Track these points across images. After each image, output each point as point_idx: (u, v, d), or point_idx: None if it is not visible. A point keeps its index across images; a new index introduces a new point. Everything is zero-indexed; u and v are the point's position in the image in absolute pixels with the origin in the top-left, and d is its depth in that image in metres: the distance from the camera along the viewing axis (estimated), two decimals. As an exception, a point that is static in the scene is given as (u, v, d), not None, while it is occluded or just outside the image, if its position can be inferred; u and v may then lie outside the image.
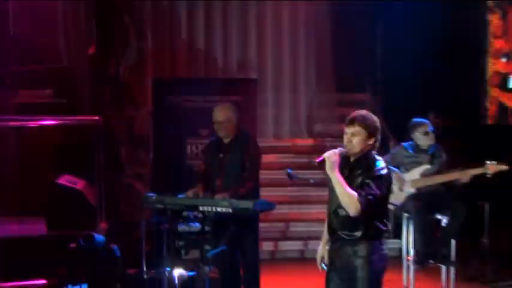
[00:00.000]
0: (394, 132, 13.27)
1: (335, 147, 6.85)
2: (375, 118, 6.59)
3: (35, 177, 12.25)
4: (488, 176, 10.02)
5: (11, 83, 13.07)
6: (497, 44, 14.28)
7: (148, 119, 12.44)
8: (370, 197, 6.16)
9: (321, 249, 6.80)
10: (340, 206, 6.34)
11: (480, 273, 11.37)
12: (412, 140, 10.64)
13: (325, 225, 6.73)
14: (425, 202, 10.32)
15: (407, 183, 10.33)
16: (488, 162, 10.03)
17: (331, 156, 6.25)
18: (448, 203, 10.44)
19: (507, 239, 11.94)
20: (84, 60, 13.59)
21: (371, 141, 6.41)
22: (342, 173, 6.40)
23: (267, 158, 12.88)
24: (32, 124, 11.62)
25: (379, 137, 6.55)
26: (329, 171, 6.23)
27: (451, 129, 13.67)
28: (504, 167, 9.98)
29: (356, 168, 6.43)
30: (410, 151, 10.51)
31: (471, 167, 10.32)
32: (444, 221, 10.34)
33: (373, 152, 6.51)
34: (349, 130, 6.42)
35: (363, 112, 6.62)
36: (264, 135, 13.92)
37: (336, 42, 15.26)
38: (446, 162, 10.61)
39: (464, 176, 10.14)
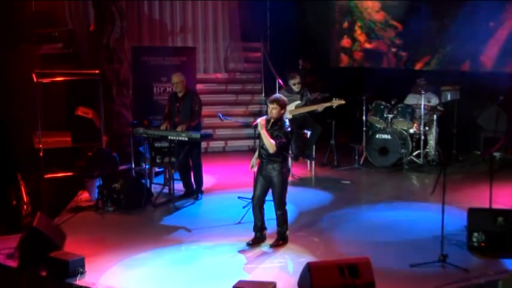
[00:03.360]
0: (276, 69, 13.76)
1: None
2: (284, 98, 8.02)
3: (64, 108, 12.48)
4: (334, 107, 11.09)
5: (36, 40, 13.09)
6: (340, 16, 14.65)
7: (129, 70, 12.46)
8: (281, 143, 7.68)
9: (253, 161, 8.18)
10: (265, 146, 7.78)
11: (330, 161, 12.25)
12: (288, 85, 11.51)
13: (256, 152, 8.14)
14: (297, 123, 11.17)
15: (287, 112, 10.49)
16: (334, 98, 11.09)
17: (261, 121, 7.75)
18: (310, 123, 11.40)
19: (345, 141, 12.81)
20: (82, 26, 13.73)
21: (282, 111, 7.87)
22: (266, 128, 7.84)
23: (199, 87, 13.39)
24: (62, 77, 11.65)
25: (286, 108, 8.03)
26: (259, 129, 7.73)
27: (313, 70, 14.57)
28: (343, 102, 11.05)
29: (274, 126, 7.82)
30: (288, 93, 11.27)
31: (324, 101, 11.47)
32: (308, 133, 11.31)
33: (284, 117, 7.93)
34: (271, 105, 7.83)
35: (278, 95, 8.13)
36: (197, 71, 13.64)
37: (241, 10, 15.32)
38: (310, 98, 11.49)
39: (319, 107, 11.20)
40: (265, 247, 8.04)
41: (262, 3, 15.24)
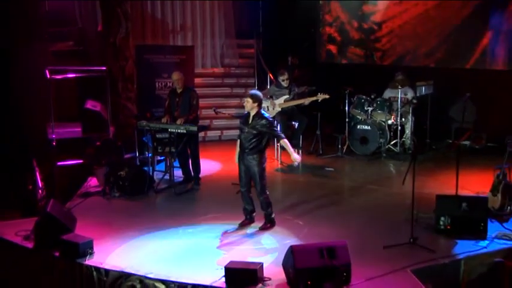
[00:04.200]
0: (268, 64, 13.84)
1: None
2: (259, 94, 8.16)
3: (75, 101, 12.61)
4: (319, 101, 11.16)
5: (48, 38, 12.99)
6: (326, 17, 14.80)
7: (133, 66, 12.47)
8: (280, 132, 8.11)
9: (236, 155, 8.31)
10: (246, 138, 7.99)
11: (315, 150, 12.35)
12: (277, 80, 11.66)
13: (238, 145, 8.28)
14: (286, 115, 11.44)
15: (276, 105, 11.36)
16: (319, 93, 11.17)
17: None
18: (297, 115, 11.58)
19: (329, 131, 12.72)
20: (91, 25, 13.69)
21: (255, 104, 8.03)
22: (247, 122, 8.05)
23: (197, 80, 13.54)
24: (73, 74, 11.91)
25: (261, 102, 8.13)
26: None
27: (302, 65, 14.54)
28: (327, 96, 11.12)
29: (256, 119, 8.02)
30: (278, 87, 11.53)
31: (310, 95, 11.47)
32: (296, 125, 11.54)
33: (260, 110, 8.08)
34: (245, 99, 8.06)
35: (254, 91, 8.23)
36: (196, 66, 13.76)
37: (236, 10, 15.30)
38: (297, 92, 11.58)
39: (306, 101, 11.30)
40: (254, 229, 8.23)
41: (255, 3, 15.27)
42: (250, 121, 8.07)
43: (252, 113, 8.07)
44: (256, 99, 8.07)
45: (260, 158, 8.06)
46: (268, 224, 8.27)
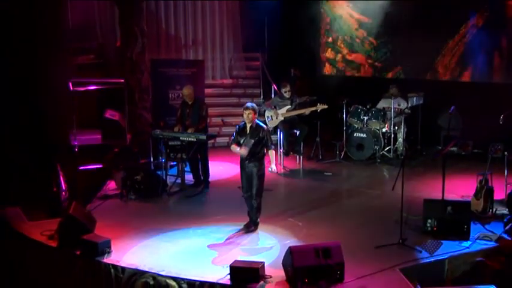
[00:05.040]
0: (272, 76, 13.75)
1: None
2: (255, 105, 8.29)
3: (95, 110, 12.63)
4: (318, 111, 11.33)
5: (72, 52, 13.04)
6: (326, 32, 14.89)
7: (149, 79, 12.56)
8: (271, 141, 8.17)
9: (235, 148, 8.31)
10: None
11: (315, 155, 12.40)
12: (280, 91, 11.80)
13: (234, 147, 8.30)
14: (288, 124, 11.48)
15: (279, 115, 11.43)
16: (318, 104, 11.29)
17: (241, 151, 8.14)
18: (298, 124, 11.58)
19: (328, 138, 12.70)
20: (110, 40, 13.76)
21: (256, 115, 8.15)
22: (245, 133, 8.13)
23: (208, 91, 13.63)
24: (94, 86, 12.01)
25: (257, 113, 8.28)
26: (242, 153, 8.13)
27: (303, 77, 14.68)
28: (326, 106, 11.26)
29: (254, 129, 8.13)
30: (280, 98, 11.62)
31: (310, 106, 11.50)
32: (297, 133, 11.51)
33: (256, 119, 8.22)
34: (246, 111, 8.09)
35: (252, 103, 8.29)
36: (206, 77, 13.90)
37: (243, 25, 15.30)
38: (298, 102, 11.61)
39: (306, 111, 11.36)
40: (257, 231, 8.30)
41: (260, 19, 15.11)
42: (248, 131, 8.18)
43: (249, 124, 8.18)
44: (257, 111, 8.28)
45: (260, 164, 8.19)
46: (253, 227, 8.32)
